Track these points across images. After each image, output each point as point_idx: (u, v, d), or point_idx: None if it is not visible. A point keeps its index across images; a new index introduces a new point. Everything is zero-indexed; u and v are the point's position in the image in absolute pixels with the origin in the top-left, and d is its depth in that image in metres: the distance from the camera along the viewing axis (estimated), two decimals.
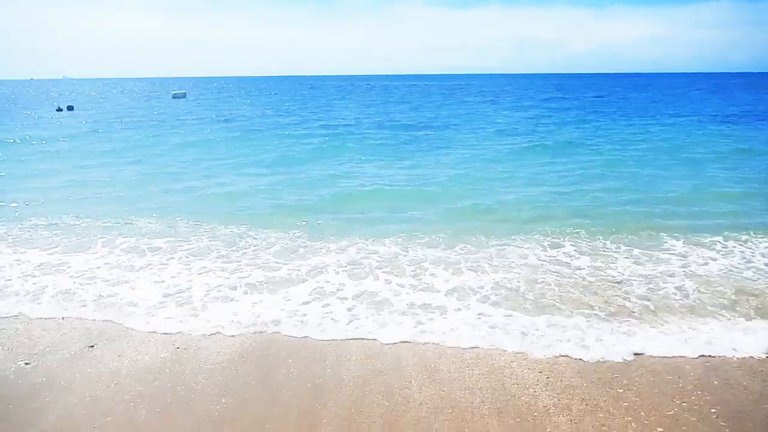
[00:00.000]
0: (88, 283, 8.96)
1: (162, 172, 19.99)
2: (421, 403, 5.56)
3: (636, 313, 7.53)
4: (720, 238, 10.67)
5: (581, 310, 7.63)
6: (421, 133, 31.21)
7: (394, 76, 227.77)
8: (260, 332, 7.22)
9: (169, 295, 8.49)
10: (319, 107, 54.89)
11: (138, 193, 16.34)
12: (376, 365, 6.34)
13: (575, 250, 10.19)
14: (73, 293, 8.57)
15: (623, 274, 8.97)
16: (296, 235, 11.54)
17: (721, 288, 8.34)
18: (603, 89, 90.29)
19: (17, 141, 29.80)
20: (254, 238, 11.35)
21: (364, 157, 22.62)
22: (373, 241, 10.96)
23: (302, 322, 7.45)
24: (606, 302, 7.89)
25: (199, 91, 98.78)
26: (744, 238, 10.70)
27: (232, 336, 7.15)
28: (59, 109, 54.29)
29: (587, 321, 7.29)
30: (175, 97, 77.91)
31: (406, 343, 6.84)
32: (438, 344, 6.79)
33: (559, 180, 17.36)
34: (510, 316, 7.50)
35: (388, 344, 6.83)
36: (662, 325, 7.18)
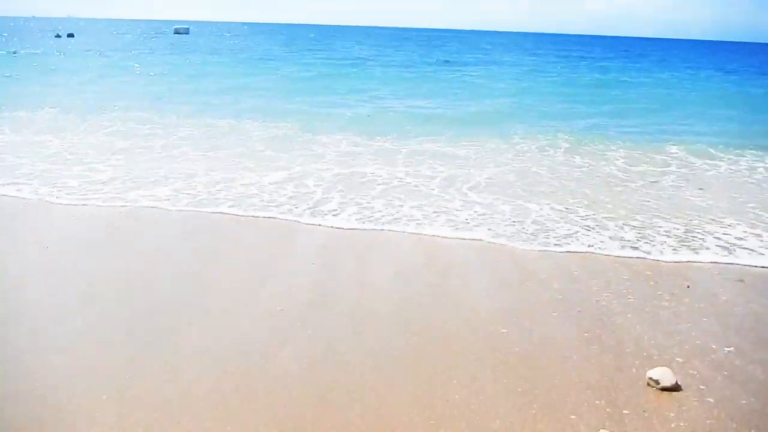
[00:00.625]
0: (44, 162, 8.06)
1: (164, 82, 19.49)
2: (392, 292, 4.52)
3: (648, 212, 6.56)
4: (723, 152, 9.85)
5: (581, 201, 6.66)
6: (435, 68, 29.80)
7: (403, 29, 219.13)
8: (218, 212, 6.05)
9: (131, 171, 7.55)
10: (335, 47, 52.70)
11: (136, 92, 16.08)
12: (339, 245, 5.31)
13: (565, 151, 9.63)
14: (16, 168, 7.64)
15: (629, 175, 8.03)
16: (294, 129, 11.16)
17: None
18: (620, 48, 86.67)
19: (17, 55, 28.74)
20: (249, 129, 11.06)
21: (374, 80, 21.61)
22: (369, 137, 10.35)
23: (272, 201, 6.45)
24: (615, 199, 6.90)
25: (207, 31, 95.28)
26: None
27: (170, 210, 6.09)
28: (58, 36, 52.26)
29: (592, 214, 6.31)
30: (177, 32, 74.91)
31: (384, 231, 5.62)
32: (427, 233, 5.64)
33: (574, 106, 16.32)
34: (511, 202, 6.53)
35: (358, 229, 5.65)
36: (664, 221, 6.22)
